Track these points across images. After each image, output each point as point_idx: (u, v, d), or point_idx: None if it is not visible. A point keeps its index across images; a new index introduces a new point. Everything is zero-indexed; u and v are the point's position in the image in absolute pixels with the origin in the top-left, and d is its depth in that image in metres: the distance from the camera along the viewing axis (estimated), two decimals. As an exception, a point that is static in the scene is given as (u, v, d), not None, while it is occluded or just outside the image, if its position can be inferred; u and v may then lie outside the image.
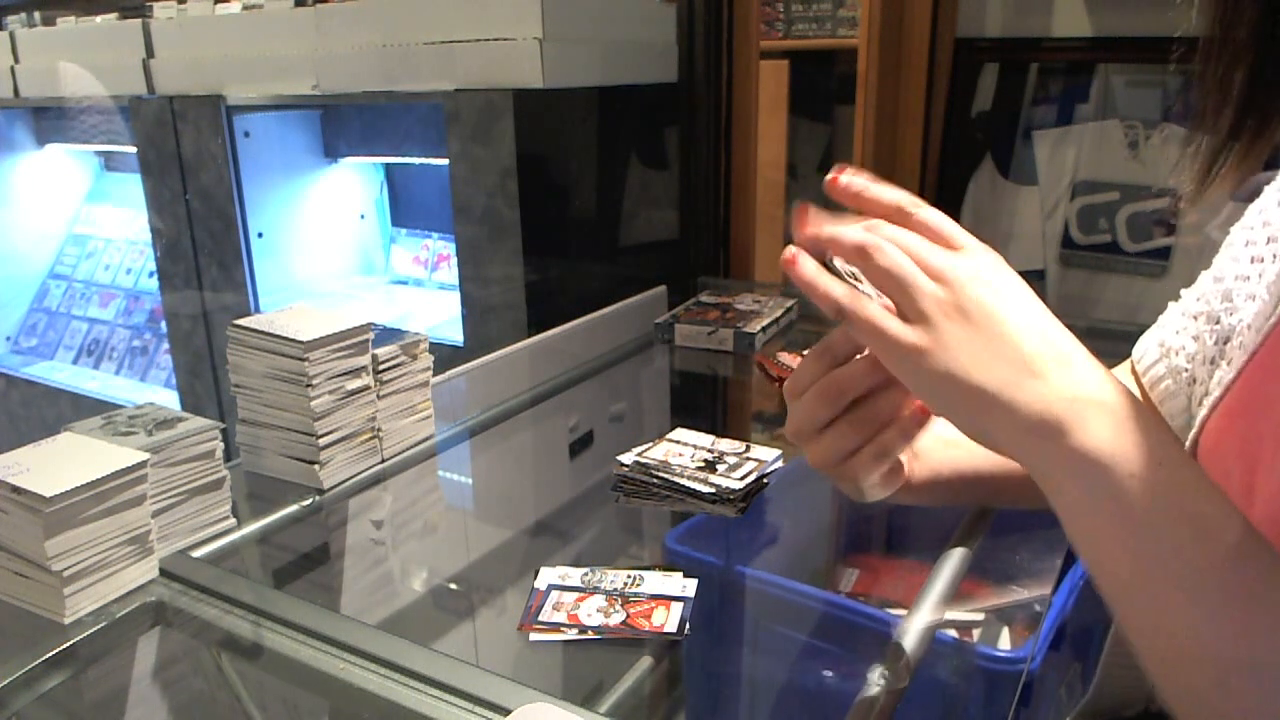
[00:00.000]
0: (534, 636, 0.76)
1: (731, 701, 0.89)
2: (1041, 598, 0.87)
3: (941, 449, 0.69)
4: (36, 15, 2.58)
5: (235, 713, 0.79)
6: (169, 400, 2.29)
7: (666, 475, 0.92)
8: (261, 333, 0.93)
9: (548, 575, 0.83)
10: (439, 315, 2.03)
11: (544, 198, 1.57)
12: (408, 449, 1.05)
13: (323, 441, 0.94)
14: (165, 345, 2.38)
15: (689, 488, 0.90)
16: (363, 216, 2.31)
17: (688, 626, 0.77)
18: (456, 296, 1.66)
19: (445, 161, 1.60)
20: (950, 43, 1.76)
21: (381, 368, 1.00)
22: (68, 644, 0.71)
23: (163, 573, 0.79)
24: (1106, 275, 1.69)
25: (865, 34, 1.76)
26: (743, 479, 0.91)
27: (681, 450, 0.99)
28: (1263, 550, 0.42)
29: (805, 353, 0.60)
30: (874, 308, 0.48)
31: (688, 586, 0.81)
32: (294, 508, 0.93)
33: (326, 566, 0.95)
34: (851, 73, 1.82)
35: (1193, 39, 0.48)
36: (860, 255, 0.49)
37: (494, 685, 0.62)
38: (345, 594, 0.94)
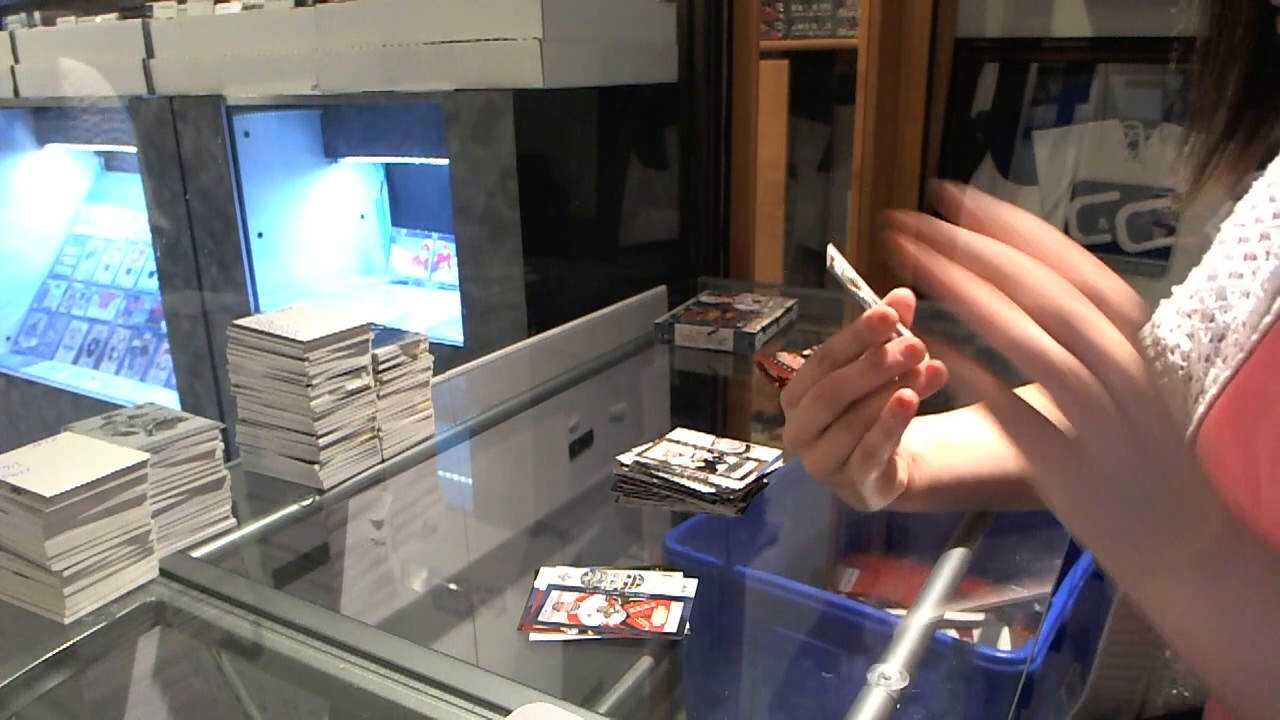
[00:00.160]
0: (534, 636, 0.76)
1: (731, 701, 0.89)
2: (1041, 597, 0.87)
3: (940, 455, 0.68)
4: (36, 15, 2.58)
5: (235, 713, 0.79)
6: (169, 400, 2.29)
7: (666, 475, 0.92)
8: (261, 333, 0.93)
9: (548, 575, 0.83)
10: (439, 315, 2.03)
11: (544, 198, 1.57)
12: (408, 449, 1.05)
13: (323, 441, 0.94)
14: (165, 345, 2.38)
15: (689, 488, 0.90)
16: (363, 216, 2.31)
17: (688, 626, 0.77)
18: (456, 296, 1.66)
19: (445, 161, 1.60)
20: (950, 43, 1.76)
21: (381, 368, 1.00)
22: (68, 644, 0.71)
23: (163, 573, 0.79)
24: (1106, 275, 1.69)
25: (865, 34, 1.76)
26: (743, 479, 0.91)
27: (681, 450, 0.99)
28: None
29: (805, 353, 0.60)
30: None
31: (688, 586, 0.81)
32: (294, 508, 0.93)
33: (326, 566, 0.95)
34: (851, 73, 1.82)
35: (1192, 39, 0.48)
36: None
37: (494, 685, 0.62)
38: (345, 594, 0.94)
